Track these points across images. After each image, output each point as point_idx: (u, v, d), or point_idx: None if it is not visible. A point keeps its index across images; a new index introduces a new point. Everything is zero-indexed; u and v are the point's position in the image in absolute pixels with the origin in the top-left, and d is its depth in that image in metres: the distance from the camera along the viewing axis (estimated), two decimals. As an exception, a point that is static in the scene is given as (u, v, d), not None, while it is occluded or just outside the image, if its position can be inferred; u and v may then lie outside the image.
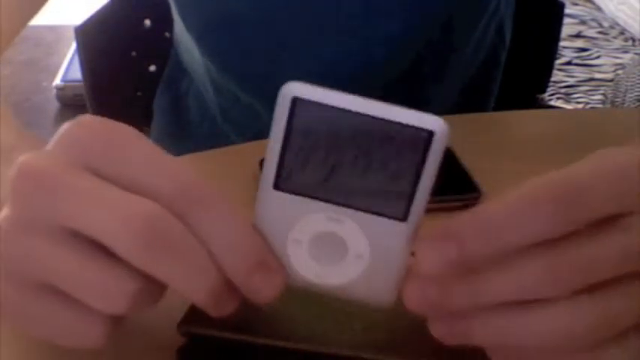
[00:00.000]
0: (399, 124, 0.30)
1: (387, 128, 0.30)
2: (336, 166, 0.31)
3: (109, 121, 0.32)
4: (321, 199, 0.32)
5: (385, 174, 0.31)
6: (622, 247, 0.28)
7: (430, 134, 0.30)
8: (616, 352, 0.29)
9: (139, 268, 0.30)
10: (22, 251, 0.31)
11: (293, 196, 0.32)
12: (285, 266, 0.33)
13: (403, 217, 0.31)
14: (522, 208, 0.28)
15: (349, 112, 0.30)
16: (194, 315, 0.37)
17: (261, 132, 0.68)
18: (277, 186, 0.32)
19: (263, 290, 0.32)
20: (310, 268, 0.33)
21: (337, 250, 0.32)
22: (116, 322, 0.33)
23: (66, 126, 0.32)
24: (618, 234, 0.28)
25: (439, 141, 0.30)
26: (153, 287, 0.32)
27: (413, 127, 0.30)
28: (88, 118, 0.32)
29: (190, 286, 0.31)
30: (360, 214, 0.32)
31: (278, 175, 0.32)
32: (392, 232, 0.32)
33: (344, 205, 0.32)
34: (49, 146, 0.32)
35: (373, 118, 0.30)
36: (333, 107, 0.30)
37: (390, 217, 0.31)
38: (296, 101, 0.31)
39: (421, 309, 0.31)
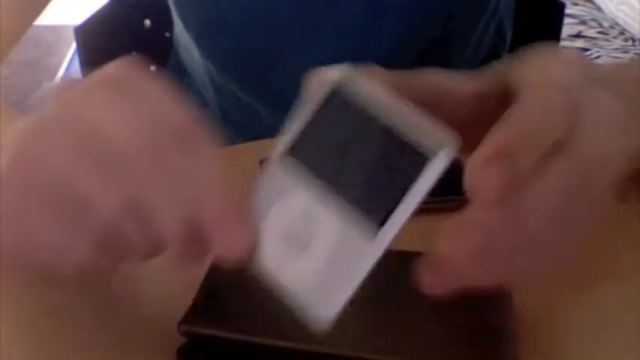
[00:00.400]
0: (406, 139, 0.30)
1: (396, 140, 0.30)
2: (339, 159, 0.32)
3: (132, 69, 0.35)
4: (311, 185, 0.32)
5: (376, 184, 0.31)
6: None
7: (426, 158, 0.30)
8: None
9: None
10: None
11: (287, 173, 0.33)
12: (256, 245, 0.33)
13: (373, 237, 0.31)
14: (547, 116, 0.31)
15: (371, 116, 0.31)
16: (194, 315, 0.37)
17: (261, 132, 0.68)
18: (282, 155, 0.33)
19: (232, 242, 0.32)
20: (273, 257, 0.33)
21: (300, 247, 0.32)
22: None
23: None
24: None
25: (434, 167, 0.30)
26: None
27: (414, 145, 0.30)
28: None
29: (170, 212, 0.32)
30: (337, 218, 0.31)
31: (287, 147, 0.33)
32: (358, 249, 0.31)
33: (327, 201, 0.32)
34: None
35: (388, 126, 0.30)
36: (361, 109, 0.31)
37: (361, 232, 0.31)
38: (335, 92, 0.32)
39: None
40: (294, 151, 0.33)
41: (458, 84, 0.37)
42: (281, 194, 0.33)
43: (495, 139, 0.30)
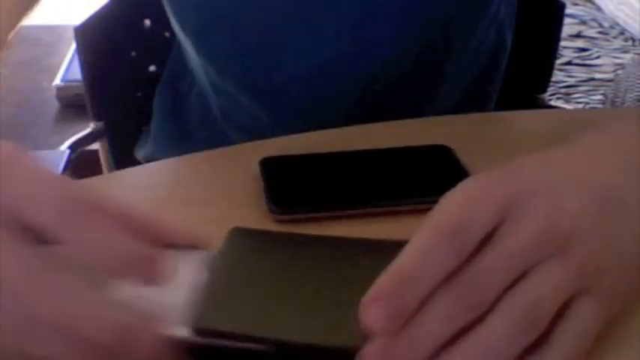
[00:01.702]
0: None
1: None
2: None
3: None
4: None
5: None
6: (505, 250, 0.34)
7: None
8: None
9: None
10: None
11: None
12: None
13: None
14: (425, 254, 0.33)
15: None
16: (204, 313, 0.37)
17: (261, 133, 0.68)
18: None
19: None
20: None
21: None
22: None
23: None
24: (498, 243, 0.34)
25: None
26: None
27: None
28: None
29: None
30: None
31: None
32: None
33: None
34: None
35: None
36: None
37: None
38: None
39: None
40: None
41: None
42: None
43: (379, 282, 0.33)
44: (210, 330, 0.36)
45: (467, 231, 0.34)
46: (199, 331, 0.36)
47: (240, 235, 0.43)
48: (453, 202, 0.36)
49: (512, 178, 0.38)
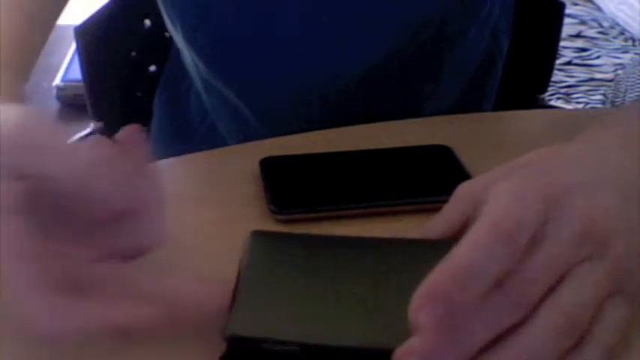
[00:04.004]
0: None
1: None
2: None
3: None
4: None
5: None
6: (550, 253, 0.35)
7: None
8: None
9: None
10: None
11: None
12: None
13: None
14: (481, 254, 0.33)
15: None
16: (238, 319, 0.36)
17: (248, 135, 0.68)
18: None
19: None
20: None
21: None
22: None
23: None
24: (543, 245, 0.35)
25: None
26: None
27: None
28: None
29: None
30: None
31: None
32: None
33: None
34: None
35: None
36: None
37: None
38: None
39: None
40: None
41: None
42: None
43: (432, 279, 0.32)
44: (245, 337, 0.36)
45: (520, 233, 0.34)
46: (233, 338, 0.35)
47: (262, 239, 0.43)
48: (503, 201, 0.35)
49: (550, 178, 0.38)
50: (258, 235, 0.43)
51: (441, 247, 0.35)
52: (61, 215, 0.36)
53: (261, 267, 0.41)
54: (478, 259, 0.33)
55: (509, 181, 0.37)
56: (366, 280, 0.39)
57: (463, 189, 0.41)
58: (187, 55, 0.74)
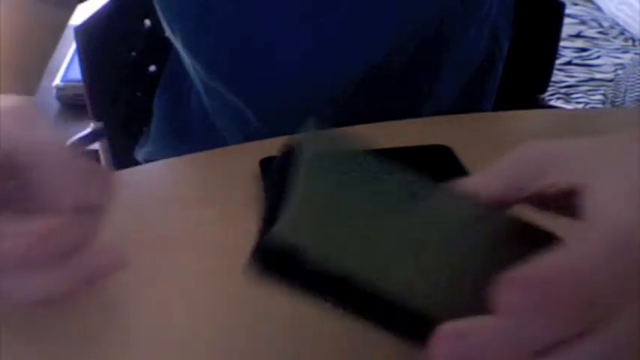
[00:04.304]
0: None
1: None
2: None
3: None
4: None
5: None
6: None
7: None
8: None
9: None
10: None
11: None
12: None
13: None
14: (591, 266, 0.29)
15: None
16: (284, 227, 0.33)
17: (249, 136, 0.68)
18: None
19: None
20: None
21: None
22: None
23: None
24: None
25: None
26: None
27: None
28: None
29: None
30: None
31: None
32: None
33: None
34: None
35: None
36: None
37: None
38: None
39: None
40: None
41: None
42: None
43: (536, 267, 0.30)
44: (289, 245, 0.31)
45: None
46: (273, 244, 0.31)
47: (325, 158, 0.40)
48: (612, 214, 0.32)
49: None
50: (319, 157, 0.39)
51: (520, 226, 0.35)
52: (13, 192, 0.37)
53: (319, 184, 0.37)
54: (583, 270, 0.30)
55: (608, 180, 0.33)
56: (431, 230, 0.36)
57: (530, 151, 0.38)
58: (185, 57, 0.74)
